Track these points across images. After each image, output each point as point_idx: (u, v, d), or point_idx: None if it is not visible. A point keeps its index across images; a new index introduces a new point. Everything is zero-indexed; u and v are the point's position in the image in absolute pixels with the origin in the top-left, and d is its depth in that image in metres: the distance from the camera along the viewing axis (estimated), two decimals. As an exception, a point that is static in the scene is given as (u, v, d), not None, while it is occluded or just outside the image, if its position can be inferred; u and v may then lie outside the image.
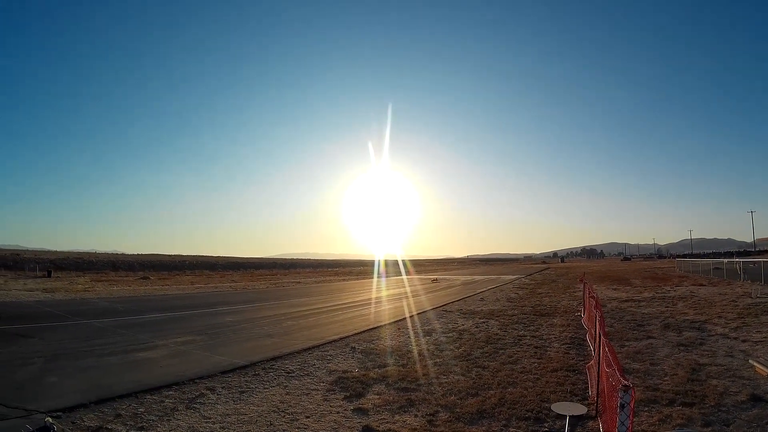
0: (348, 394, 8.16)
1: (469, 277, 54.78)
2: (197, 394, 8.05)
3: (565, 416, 6.57)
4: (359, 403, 7.62)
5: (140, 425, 6.51)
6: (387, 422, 6.75)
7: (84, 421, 6.55)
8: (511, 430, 6.43)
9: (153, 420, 6.74)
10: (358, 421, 6.83)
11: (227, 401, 7.72)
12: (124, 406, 7.25)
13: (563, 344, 12.28)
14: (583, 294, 19.09)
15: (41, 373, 8.89)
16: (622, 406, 3.98)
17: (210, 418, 6.87)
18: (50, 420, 6.31)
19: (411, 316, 18.55)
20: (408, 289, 35.76)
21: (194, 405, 7.46)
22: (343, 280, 51.21)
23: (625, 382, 4.08)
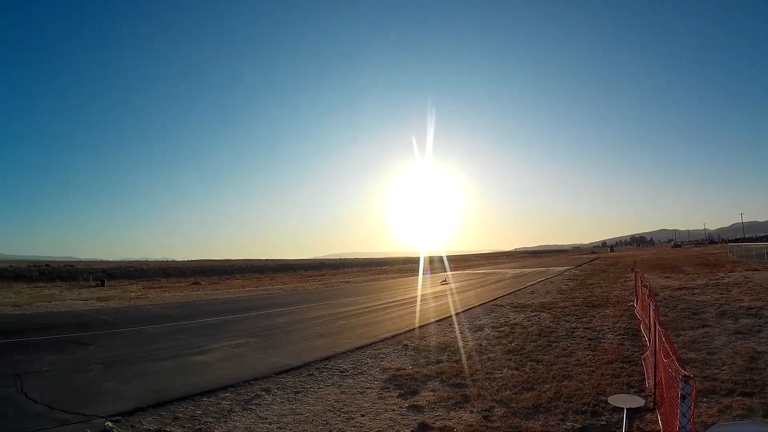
0: (402, 391, 8.29)
1: (518, 270, 54.78)
2: (253, 395, 8.27)
3: (623, 409, 6.51)
4: (414, 401, 7.71)
5: (198, 427, 6.75)
6: (443, 419, 6.81)
7: (143, 425, 6.83)
8: (568, 424, 6.41)
9: (210, 422, 6.97)
10: (414, 418, 6.92)
11: (283, 402, 7.91)
12: (181, 409, 7.53)
13: (617, 335, 12.26)
14: (635, 283, 18.97)
15: (99, 379, 9.32)
16: (683, 397, 3.90)
17: (266, 419, 7.05)
18: (110, 424, 6.61)
19: (462, 312, 18.68)
20: (457, 284, 35.79)
21: (250, 406, 7.67)
22: (391, 278, 51.34)
23: (685, 372, 3.98)
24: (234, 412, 7.43)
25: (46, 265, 65.61)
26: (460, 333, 13.92)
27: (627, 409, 6.46)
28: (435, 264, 79.30)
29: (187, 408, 7.61)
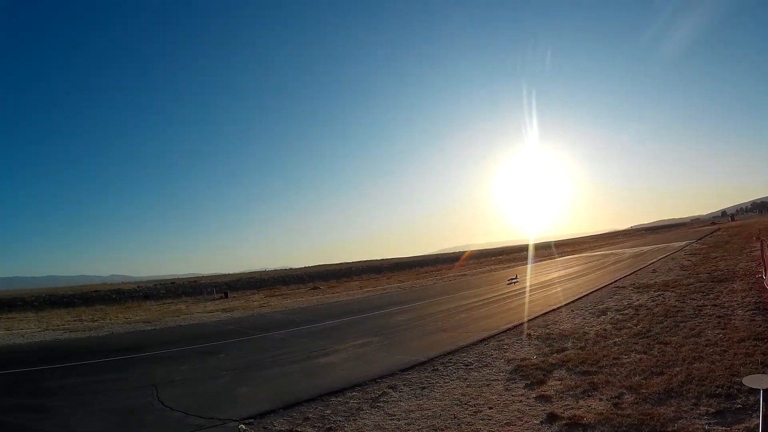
0: (529, 382, 8.28)
1: (636, 249, 53.37)
2: (380, 393, 8.53)
3: (759, 390, 6.06)
4: (541, 391, 7.67)
5: (328, 426, 7.06)
6: (571, 408, 6.72)
7: (275, 426, 7.26)
8: (702, 408, 6.15)
9: (340, 420, 7.27)
10: (542, 408, 6.88)
11: (410, 398, 8.10)
12: (311, 410, 7.92)
13: (747, 311, 11.64)
14: (761, 253, 18.30)
15: (231, 385, 10.00)
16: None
17: (395, 416, 7.25)
18: (243, 427, 7.09)
19: (582, 297, 18.48)
20: (574, 269, 35.65)
21: (378, 404, 7.91)
22: (507, 267, 50.75)
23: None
24: (362, 410, 7.69)
25: (172, 283, 71.42)
26: (584, 318, 13.77)
27: (763, 390, 6.03)
28: (549, 250, 78.31)
29: (316, 408, 7.98)
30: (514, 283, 28.28)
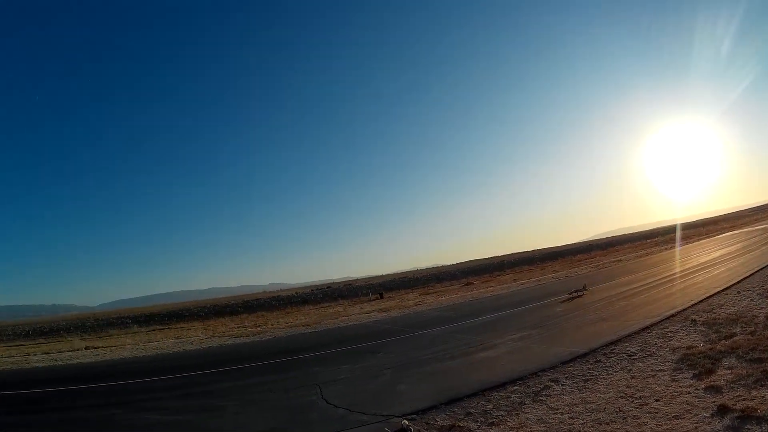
0: (696, 371, 7.85)
1: None
2: (542, 386, 8.47)
3: None
4: (710, 381, 7.23)
5: (490, 421, 7.16)
6: (744, 399, 6.26)
7: (437, 421, 7.48)
8: None
9: (502, 415, 7.34)
10: (712, 400, 6.49)
11: (572, 391, 7.98)
12: (472, 405, 8.06)
13: None
14: None
15: (391, 383, 10.40)
16: None
17: (557, 409, 7.18)
18: (406, 422, 7.38)
19: (748, 276, 17.18)
20: (735, 246, 33.51)
21: (540, 397, 7.88)
22: (664, 249, 47.51)
23: None
24: (524, 404, 7.70)
25: (328, 287, 75.25)
26: (751, 300, 12.75)
27: None
28: (705, 227, 74.16)
29: (478, 403, 8.11)
30: (579, 296, 20.94)
